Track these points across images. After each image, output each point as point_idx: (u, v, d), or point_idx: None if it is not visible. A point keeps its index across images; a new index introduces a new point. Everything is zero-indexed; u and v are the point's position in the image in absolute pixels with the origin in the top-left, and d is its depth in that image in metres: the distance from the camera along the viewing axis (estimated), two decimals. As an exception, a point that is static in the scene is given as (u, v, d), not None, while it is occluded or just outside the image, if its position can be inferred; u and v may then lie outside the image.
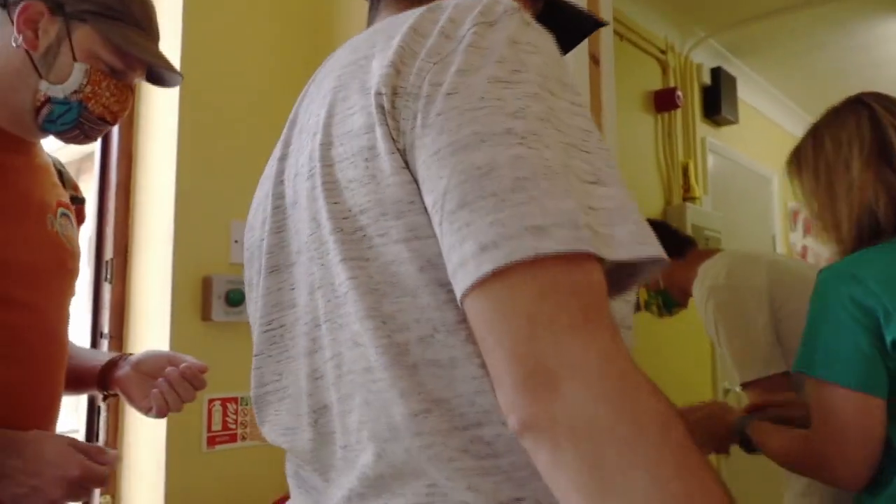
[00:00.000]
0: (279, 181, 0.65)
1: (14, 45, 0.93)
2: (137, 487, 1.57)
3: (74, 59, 0.94)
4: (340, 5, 1.81)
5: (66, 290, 1.06)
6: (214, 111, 1.65)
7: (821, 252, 4.68)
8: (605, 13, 1.46)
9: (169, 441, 1.49)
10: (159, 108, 1.64)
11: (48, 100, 0.95)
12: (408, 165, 0.50)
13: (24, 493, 0.87)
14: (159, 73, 1.05)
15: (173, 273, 1.53)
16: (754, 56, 3.60)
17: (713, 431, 1.30)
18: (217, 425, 1.57)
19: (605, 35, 1.44)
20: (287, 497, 1.57)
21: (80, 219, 1.15)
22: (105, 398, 1.14)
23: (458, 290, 0.46)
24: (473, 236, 0.44)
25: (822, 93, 4.12)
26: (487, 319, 0.44)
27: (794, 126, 4.37)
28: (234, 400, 1.61)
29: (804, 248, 4.44)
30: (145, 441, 1.55)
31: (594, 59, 1.41)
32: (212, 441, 1.57)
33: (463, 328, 0.49)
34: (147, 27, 1.02)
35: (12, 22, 0.93)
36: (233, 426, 1.60)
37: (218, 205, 1.63)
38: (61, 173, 1.10)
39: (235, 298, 1.57)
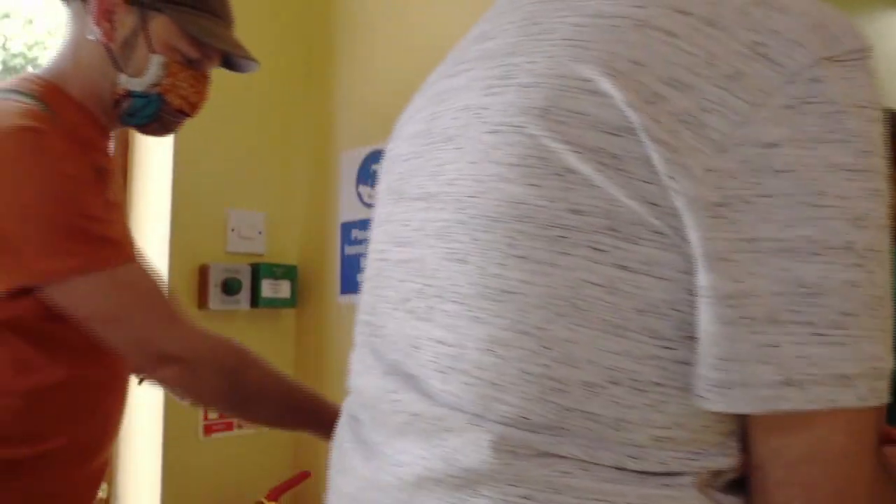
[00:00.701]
0: (438, 101, 0.54)
1: (90, 38, 0.92)
2: (134, 475, 1.57)
3: (151, 51, 0.93)
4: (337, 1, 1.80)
5: None
6: (211, 99, 1.64)
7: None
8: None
9: (166, 429, 1.50)
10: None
11: (128, 94, 0.93)
12: (657, 201, 0.40)
13: None
14: (236, 60, 1.04)
15: (170, 262, 1.53)
16: (752, 50, 3.60)
17: None
18: (214, 413, 1.57)
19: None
20: (282, 486, 1.57)
21: None
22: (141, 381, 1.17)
23: (729, 403, 0.40)
24: (777, 362, 0.39)
25: (819, 87, 4.12)
26: (795, 461, 0.41)
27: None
28: (231, 388, 1.61)
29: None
30: (143, 429, 1.55)
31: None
32: (208, 429, 1.57)
33: (658, 392, 0.42)
34: (222, 13, 1.00)
35: (88, 14, 0.91)
36: (229, 414, 1.60)
37: (215, 193, 1.63)
38: None
39: (233, 287, 1.58)
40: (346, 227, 1.69)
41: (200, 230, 1.60)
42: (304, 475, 1.63)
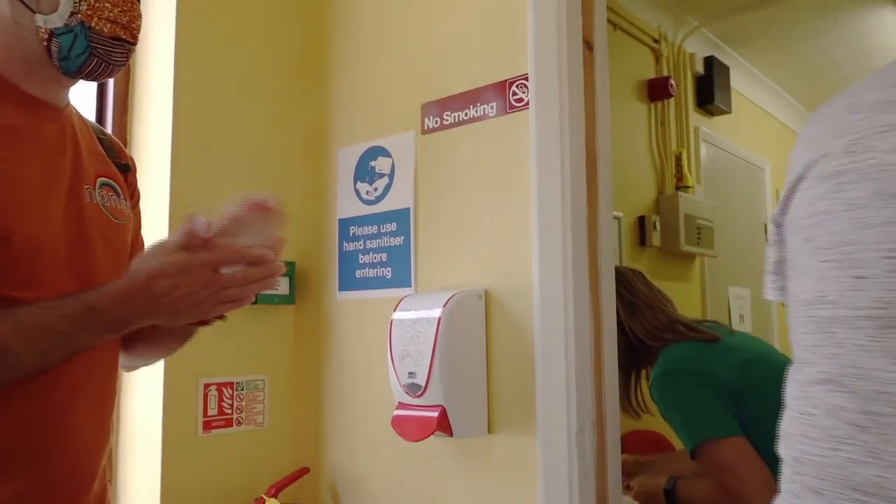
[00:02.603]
0: None
1: None
2: (133, 471, 1.57)
3: None
4: (335, -9, 1.81)
5: (119, 267, 0.95)
6: (208, 96, 1.64)
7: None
8: (599, 2, 1.46)
9: (165, 425, 1.50)
10: (154, 91, 1.64)
11: (51, 34, 0.85)
12: None
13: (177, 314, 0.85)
14: None
15: (168, 258, 1.53)
16: (747, 45, 3.61)
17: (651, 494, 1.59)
18: (213, 410, 1.58)
19: (599, 20, 1.44)
20: (282, 482, 1.57)
21: (132, 188, 1.05)
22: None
23: None
24: None
25: (814, 83, 4.14)
26: None
27: (786, 116, 4.38)
28: (230, 385, 1.61)
29: (796, 238, 4.46)
30: (141, 425, 1.55)
31: (588, 45, 1.41)
32: (207, 426, 1.57)
33: None
34: None
35: None
36: (228, 411, 1.61)
37: (212, 190, 1.63)
38: (101, 140, 1.01)
39: (230, 284, 1.58)
40: (344, 224, 1.69)
41: (198, 227, 1.60)
42: (304, 471, 1.64)
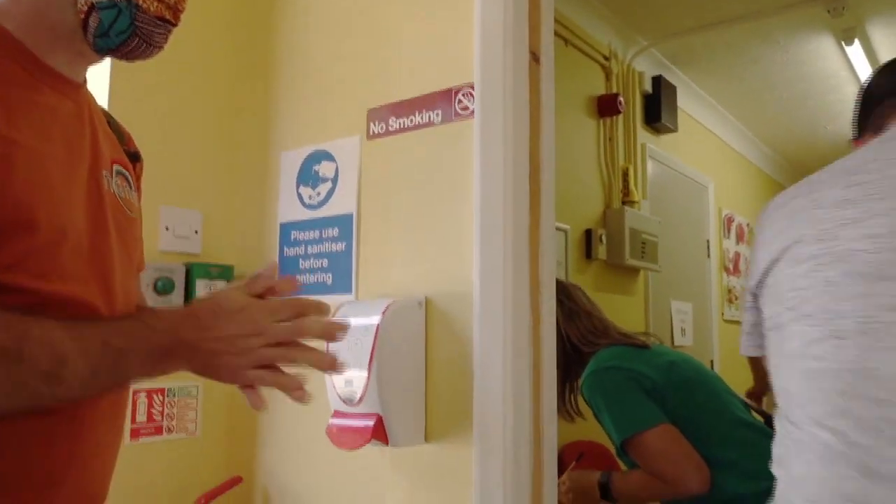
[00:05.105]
0: None
1: None
2: (55, 481, 1.50)
3: None
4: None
5: (131, 265, 0.89)
6: (148, 94, 1.60)
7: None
8: (546, 15, 1.48)
9: (89, 433, 1.44)
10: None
11: (92, 7, 0.77)
12: None
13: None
14: None
15: (99, 259, 1.48)
16: (693, 67, 3.71)
17: (584, 489, 1.61)
18: (142, 417, 1.52)
19: (546, 33, 1.45)
20: (212, 492, 1.52)
21: (138, 180, 0.97)
22: None
23: None
24: None
25: (755, 105, 4.28)
26: None
27: (729, 136, 4.52)
28: (161, 391, 1.56)
29: (737, 255, 4.59)
30: (64, 433, 1.49)
31: (534, 57, 1.42)
32: (136, 433, 1.52)
33: None
34: None
35: None
36: (158, 418, 1.55)
37: (147, 189, 1.58)
38: (111, 124, 0.94)
39: (165, 287, 1.53)
40: (286, 228, 1.66)
41: (132, 227, 1.55)
42: (236, 480, 1.59)
